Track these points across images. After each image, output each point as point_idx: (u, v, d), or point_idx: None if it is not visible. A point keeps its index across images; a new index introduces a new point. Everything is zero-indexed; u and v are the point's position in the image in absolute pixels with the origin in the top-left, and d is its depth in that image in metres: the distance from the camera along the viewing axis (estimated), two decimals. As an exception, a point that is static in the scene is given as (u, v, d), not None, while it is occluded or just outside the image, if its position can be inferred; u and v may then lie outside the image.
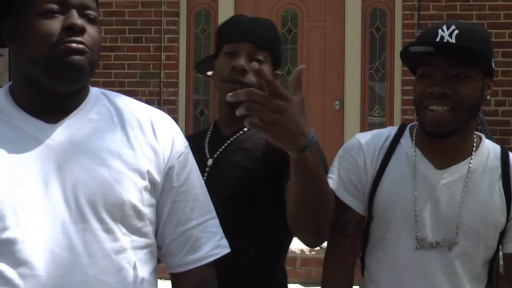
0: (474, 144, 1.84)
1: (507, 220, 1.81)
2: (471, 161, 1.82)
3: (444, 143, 1.81)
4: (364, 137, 1.92)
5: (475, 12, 6.05)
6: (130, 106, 1.59)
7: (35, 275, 1.37)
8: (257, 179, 1.98)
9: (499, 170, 1.83)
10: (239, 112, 1.38)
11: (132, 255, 1.48)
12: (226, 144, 2.07)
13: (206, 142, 2.13)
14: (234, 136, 2.07)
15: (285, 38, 6.17)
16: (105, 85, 1.73)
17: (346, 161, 1.89)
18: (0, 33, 1.50)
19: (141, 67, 6.07)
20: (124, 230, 1.47)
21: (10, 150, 1.43)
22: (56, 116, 1.49)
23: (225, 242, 1.65)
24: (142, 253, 1.51)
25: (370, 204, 1.86)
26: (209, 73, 2.19)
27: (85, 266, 1.41)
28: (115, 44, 5.98)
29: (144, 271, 1.51)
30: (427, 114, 1.75)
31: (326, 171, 1.88)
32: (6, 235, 1.38)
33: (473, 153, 1.83)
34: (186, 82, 6.17)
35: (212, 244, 1.61)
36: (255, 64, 1.34)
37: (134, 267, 1.48)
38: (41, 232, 1.40)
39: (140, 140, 1.53)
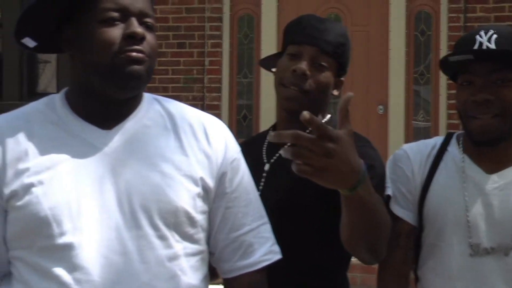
0: None
1: None
2: None
3: (493, 149, 1.79)
4: (410, 147, 1.92)
5: (524, 14, 5.95)
6: (183, 111, 1.60)
7: (90, 280, 1.39)
8: (312, 188, 1.81)
9: None
10: (285, 155, 1.31)
11: (185, 261, 1.49)
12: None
13: (264, 147, 2.08)
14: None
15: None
16: (149, 90, 1.76)
17: (395, 173, 1.89)
18: (59, 39, 1.52)
19: (185, 72, 6.11)
20: (177, 236, 1.48)
21: (67, 156, 1.45)
22: (111, 122, 1.51)
23: (277, 248, 1.65)
24: (194, 260, 1.52)
25: (420, 213, 1.84)
26: (274, 69, 2.11)
27: (139, 273, 1.42)
28: (159, 50, 5.97)
29: (195, 278, 1.52)
30: (472, 122, 1.74)
31: (382, 190, 1.83)
32: (63, 240, 1.40)
33: None
34: (230, 87, 6.20)
35: (264, 249, 1.61)
36: (305, 114, 1.26)
37: (186, 274, 1.49)
38: (96, 237, 1.42)
39: (193, 146, 1.54)
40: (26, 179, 1.42)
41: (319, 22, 2.02)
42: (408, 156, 1.89)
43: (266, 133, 2.16)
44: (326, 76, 1.97)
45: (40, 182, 1.42)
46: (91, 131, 1.49)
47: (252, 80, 6.20)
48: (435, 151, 1.87)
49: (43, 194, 1.41)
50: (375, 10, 6.10)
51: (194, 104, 6.19)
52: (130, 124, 1.52)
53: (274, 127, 2.13)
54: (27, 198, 1.41)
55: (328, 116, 2.12)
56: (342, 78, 2.07)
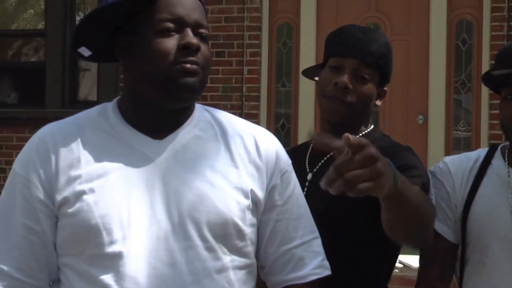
0: None
1: None
2: None
3: None
4: (452, 160, 1.89)
5: None
6: (233, 123, 1.61)
7: None
8: (353, 198, 1.92)
9: None
10: (323, 186, 1.25)
11: (232, 274, 1.48)
12: (325, 159, 2.02)
13: (307, 156, 2.09)
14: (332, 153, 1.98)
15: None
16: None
17: (434, 186, 1.87)
18: (113, 49, 1.53)
19: (224, 81, 6.13)
20: (225, 249, 1.47)
21: (118, 165, 1.47)
22: (163, 132, 1.51)
23: (327, 263, 1.63)
24: (241, 273, 1.51)
25: (464, 229, 1.82)
26: (316, 78, 2.12)
27: (187, 284, 1.42)
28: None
29: None
30: None
31: (427, 189, 1.79)
32: (112, 249, 1.41)
33: None
34: (268, 96, 6.21)
35: (315, 263, 1.60)
36: (346, 136, 1.23)
37: (234, 287, 1.48)
38: (145, 247, 1.42)
39: (243, 158, 1.54)
40: (78, 186, 1.44)
41: (361, 32, 2.01)
42: (449, 170, 1.87)
43: (308, 143, 2.16)
44: (368, 88, 1.98)
45: (92, 190, 1.43)
46: (142, 141, 1.50)
47: (291, 89, 6.21)
48: (478, 165, 1.85)
49: (94, 202, 1.42)
50: (415, 18, 6.07)
51: (233, 112, 6.11)
52: (182, 135, 1.53)
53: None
54: (78, 205, 1.42)
55: (372, 126, 2.11)
56: (385, 88, 2.06)
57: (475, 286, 1.82)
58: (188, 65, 1.45)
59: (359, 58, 1.95)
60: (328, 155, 2.03)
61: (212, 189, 1.48)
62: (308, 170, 2.06)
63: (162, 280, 1.41)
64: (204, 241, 1.45)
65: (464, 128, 6.01)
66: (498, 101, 1.82)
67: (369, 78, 1.96)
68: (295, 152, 2.09)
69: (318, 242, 1.64)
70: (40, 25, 6.87)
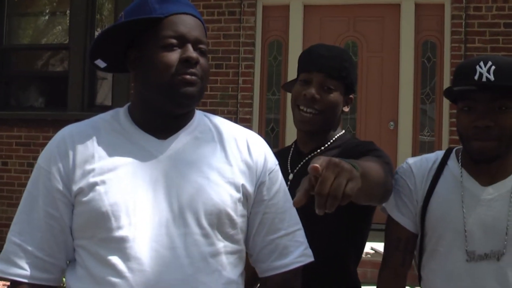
0: None
1: None
2: None
3: (489, 165, 1.75)
4: (414, 162, 1.89)
5: (516, 45, 5.90)
6: (228, 127, 1.61)
7: (142, 270, 1.39)
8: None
9: None
10: (320, 212, 1.22)
11: (225, 258, 1.48)
12: (304, 161, 2.03)
13: (289, 158, 2.09)
14: (313, 154, 2.03)
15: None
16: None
17: (398, 184, 1.87)
18: (125, 61, 1.54)
19: (221, 89, 6.13)
20: (219, 236, 1.47)
21: (127, 161, 1.47)
22: (167, 133, 1.52)
23: (309, 252, 1.63)
24: (233, 258, 1.51)
25: (423, 221, 1.82)
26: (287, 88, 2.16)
27: (184, 266, 1.42)
28: (200, 70, 6.06)
29: (233, 274, 1.51)
30: (473, 144, 1.70)
31: (388, 161, 1.79)
32: (120, 233, 1.41)
33: None
34: (260, 103, 6.19)
35: (298, 252, 1.59)
36: (310, 168, 1.22)
37: (225, 270, 1.48)
38: (148, 233, 1.42)
39: (236, 157, 1.54)
40: (91, 179, 1.44)
41: (326, 50, 2.03)
42: (411, 170, 1.86)
43: (290, 147, 2.17)
44: (334, 96, 1.99)
45: (103, 182, 1.44)
46: (149, 140, 1.50)
47: (280, 97, 6.21)
48: (436, 165, 1.84)
49: (105, 192, 1.43)
50: (387, 39, 6.08)
51: (229, 117, 6.23)
52: (183, 136, 1.53)
53: (295, 142, 2.14)
54: (91, 195, 1.43)
55: (342, 131, 2.11)
56: (351, 96, 2.07)
57: (431, 271, 1.82)
58: (188, 77, 1.45)
59: (324, 71, 1.97)
60: (307, 158, 2.04)
61: (209, 183, 1.48)
62: (290, 170, 2.06)
63: (163, 261, 1.41)
64: (200, 228, 1.45)
65: (428, 134, 6.02)
66: (456, 111, 1.81)
67: (334, 88, 1.98)
68: (280, 155, 2.09)
69: (302, 233, 1.63)
70: (65, 40, 6.86)
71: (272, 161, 1.62)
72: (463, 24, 5.85)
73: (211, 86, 6.13)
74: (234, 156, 1.54)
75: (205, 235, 1.45)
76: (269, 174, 1.58)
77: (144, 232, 1.42)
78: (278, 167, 1.63)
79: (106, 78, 6.71)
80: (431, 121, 6.03)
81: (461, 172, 1.80)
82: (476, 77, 1.68)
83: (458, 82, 1.73)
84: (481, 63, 1.69)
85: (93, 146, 1.48)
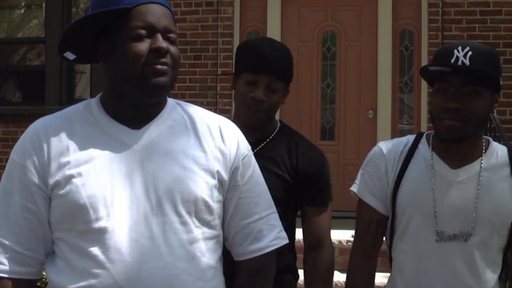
0: (483, 146, 1.83)
1: None
2: (482, 160, 1.80)
3: (457, 147, 1.80)
4: (385, 145, 1.92)
5: (492, 33, 5.95)
6: (201, 114, 1.61)
7: (122, 260, 1.40)
8: (288, 185, 2.03)
9: (508, 166, 1.81)
10: None
11: (203, 245, 1.49)
12: (256, 151, 2.03)
13: None
14: (261, 145, 2.09)
15: (325, 56, 6.16)
16: (169, 96, 1.76)
17: (370, 167, 1.91)
18: (95, 52, 1.53)
19: (200, 81, 6.11)
20: (196, 222, 1.48)
21: (102, 152, 1.46)
22: (140, 123, 1.51)
23: (284, 234, 1.64)
24: (211, 243, 1.52)
25: (394, 204, 1.85)
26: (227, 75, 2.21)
27: (164, 254, 1.42)
28: (178, 61, 6.03)
29: (212, 259, 1.51)
30: (442, 124, 1.75)
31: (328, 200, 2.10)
32: (98, 224, 1.41)
33: (483, 154, 1.82)
34: (239, 94, 6.20)
35: (273, 235, 1.61)
36: None
37: (204, 255, 1.49)
38: (126, 223, 1.42)
39: (210, 143, 1.54)
40: (67, 171, 1.43)
41: (270, 49, 2.03)
42: (383, 153, 1.89)
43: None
44: (279, 97, 2.06)
45: (79, 174, 1.43)
46: (122, 131, 1.50)
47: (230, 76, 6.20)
48: (407, 149, 1.87)
49: (81, 184, 1.42)
50: (365, 28, 6.10)
51: (208, 108, 6.12)
52: (156, 125, 1.53)
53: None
54: (68, 187, 1.42)
55: (278, 122, 2.19)
56: (288, 88, 2.12)
57: (401, 251, 1.85)
58: (159, 66, 1.45)
59: (272, 74, 2.00)
60: (256, 149, 2.06)
61: (184, 171, 1.48)
62: None
63: (142, 251, 1.41)
64: (178, 216, 1.46)
65: (407, 122, 6.06)
66: (431, 95, 1.85)
67: (278, 90, 2.03)
68: None
69: (276, 216, 1.65)
70: (41, 33, 6.79)
71: (245, 146, 1.63)
72: (440, 12, 5.90)
73: (190, 77, 6.11)
74: (208, 143, 1.54)
75: (183, 223, 1.46)
76: (242, 160, 1.59)
77: (122, 222, 1.42)
78: (251, 152, 1.65)
79: (84, 72, 6.67)
80: (409, 110, 6.07)
81: (431, 155, 1.83)
82: (452, 60, 1.72)
83: (435, 63, 1.77)
84: (459, 48, 1.73)
85: (67, 138, 1.47)
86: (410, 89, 6.06)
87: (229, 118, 1.69)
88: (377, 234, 1.89)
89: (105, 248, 1.40)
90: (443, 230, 1.77)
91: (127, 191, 1.44)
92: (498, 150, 1.85)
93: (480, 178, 1.78)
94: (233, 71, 2.16)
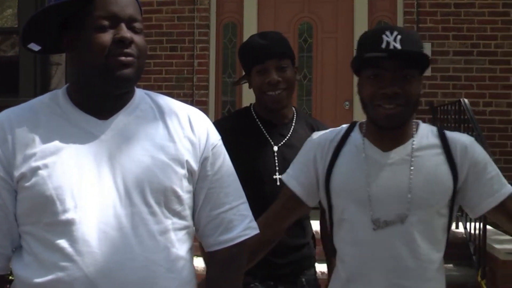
0: (414, 128, 1.82)
1: (456, 187, 1.77)
2: (413, 141, 1.79)
3: (390, 131, 1.78)
4: (318, 134, 1.92)
5: (466, 25, 6.00)
6: (170, 104, 1.59)
7: (90, 252, 1.38)
8: None
9: (439, 145, 1.79)
10: None
11: (173, 235, 1.47)
12: (288, 136, 2.31)
13: (263, 131, 2.32)
14: (288, 125, 2.34)
15: (301, 47, 6.15)
16: (145, 88, 1.74)
17: (301, 154, 1.91)
18: (61, 42, 1.50)
19: (177, 72, 6.08)
20: (166, 213, 1.47)
21: (69, 143, 1.44)
22: (107, 113, 1.49)
23: (254, 224, 1.63)
24: (181, 234, 1.50)
25: (328, 194, 1.83)
26: (243, 82, 2.44)
27: (133, 245, 1.41)
28: (154, 52, 5.99)
29: (182, 250, 1.50)
30: (380, 111, 1.72)
31: None
32: (66, 216, 1.39)
33: (414, 135, 1.80)
34: (216, 86, 6.17)
35: (243, 225, 1.60)
36: None
37: (174, 246, 1.47)
38: (95, 214, 1.40)
39: (179, 133, 1.52)
40: (33, 163, 1.41)
41: (264, 38, 2.30)
42: (313, 141, 1.89)
43: (249, 111, 2.40)
44: (290, 72, 2.30)
45: (46, 166, 1.40)
46: (90, 121, 1.47)
47: (235, 79, 6.19)
48: (338, 137, 1.85)
49: (48, 176, 1.40)
50: (342, 19, 6.10)
51: (185, 100, 6.19)
52: (124, 115, 1.51)
53: (249, 110, 2.39)
54: (34, 179, 1.40)
55: (293, 109, 2.43)
56: (296, 66, 2.37)
57: (341, 240, 1.83)
58: (123, 58, 1.43)
59: (276, 56, 2.25)
60: (291, 132, 2.32)
61: (153, 161, 1.46)
62: (272, 143, 2.30)
63: (111, 242, 1.40)
64: (148, 206, 1.44)
65: (383, 113, 6.08)
66: (359, 81, 1.82)
67: (287, 66, 2.28)
68: (240, 118, 2.38)
69: (246, 206, 1.64)
70: (15, 23, 6.69)
71: (215, 137, 1.61)
72: (415, 4, 5.93)
73: (166, 69, 6.07)
74: (177, 133, 1.52)
75: (153, 213, 1.44)
76: (212, 149, 1.57)
77: (90, 214, 1.40)
78: (221, 142, 1.63)
79: (60, 64, 6.58)
80: (385, 101, 6.09)
81: (363, 141, 1.81)
82: (383, 46, 1.70)
83: (365, 50, 1.74)
84: (387, 32, 1.71)
85: (33, 130, 1.45)
86: (386, 80, 6.07)
87: (205, 110, 1.67)
88: (287, 212, 1.86)
89: (72, 240, 1.38)
90: (378, 216, 1.74)
91: (95, 182, 1.42)
92: (428, 130, 1.84)
93: (412, 159, 1.76)
94: (243, 75, 2.41)
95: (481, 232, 4.50)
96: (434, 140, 1.81)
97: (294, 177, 1.89)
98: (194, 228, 1.58)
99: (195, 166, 1.53)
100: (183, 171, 1.49)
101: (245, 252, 1.63)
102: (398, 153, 1.78)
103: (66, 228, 1.38)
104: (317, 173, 1.86)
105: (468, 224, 4.84)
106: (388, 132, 1.78)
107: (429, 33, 5.97)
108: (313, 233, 2.43)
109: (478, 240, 4.55)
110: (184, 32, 6.08)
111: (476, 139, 4.23)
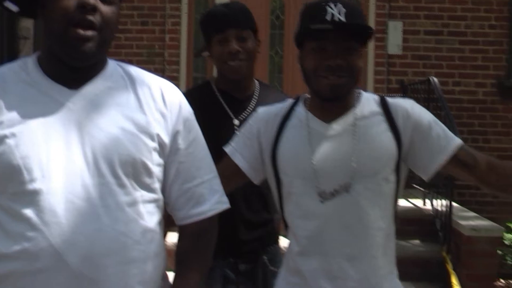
0: (356, 98, 1.82)
1: (401, 152, 1.77)
2: (355, 111, 1.79)
3: (333, 103, 1.78)
4: (263, 108, 1.92)
5: (437, 5, 6.04)
6: (142, 75, 1.57)
7: (57, 222, 1.36)
8: None
9: (381, 113, 1.79)
10: None
11: (142, 207, 1.46)
12: (251, 108, 2.25)
13: (224, 105, 2.26)
14: (251, 100, 2.29)
15: (273, 24, 6.12)
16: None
17: (245, 129, 1.90)
18: (34, 8, 1.47)
19: (148, 47, 6.01)
20: (135, 185, 1.45)
21: (38, 112, 1.41)
22: (77, 83, 1.46)
23: (225, 199, 1.63)
24: (150, 206, 1.49)
25: (275, 168, 1.83)
26: (204, 54, 2.39)
27: (101, 216, 1.39)
28: (125, 27, 5.90)
29: (151, 222, 1.49)
30: (323, 82, 1.72)
31: None
32: (33, 186, 1.37)
33: (356, 104, 1.80)
34: (187, 61, 6.11)
35: (214, 200, 1.60)
36: None
37: (143, 218, 1.46)
38: (62, 184, 1.38)
39: (151, 106, 1.51)
40: (0, 132, 1.38)
41: (227, 8, 2.26)
42: (258, 115, 1.89)
43: (210, 85, 2.35)
44: (251, 43, 2.26)
45: (13, 135, 1.38)
46: (59, 91, 1.45)
47: (206, 55, 6.14)
48: (283, 111, 1.86)
49: (15, 145, 1.37)
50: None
51: (155, 75, 6.10)
52: (95, 85, 1.48)
53: (208, 84, 2.35)
54: (1, 148, 1.37)
55: (257, 82, 2.38)
56: (259, 39, 2.32)
57: (290, 213, 1.83)
58: (81, 32, 1.39)
59: (236, 26, 2.21)
60: (253, 105, 2.25)
61: (123, 132, 1.44)
62: (232, 116, 2.24)
63: (78, 213, 1.38)
64: (116, 178, 1.42)
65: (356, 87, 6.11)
66: (300, 53, 1.82)
67: (247, 36, 2.23)
68: (199, 93, 2.31)
69: (217, 180, 1.64)
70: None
71: (188, 110, 1.60)
72: (388, -17, 5.93)
73: (137, 43, 6.01)
74: (148, 105, 1.51)
75: (121, 185, 1.43)
76: (184, 123, 1.56)
77: (58, 184, 1.38)
78: (193, 117, 1.62)
79: (28, 38, 6.45)
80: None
81: (306, 114, 1.81)
82: (328, 18, 1.70)
83: (309, 22, 1.73)
84: (331, 4, 1.71)
85: (0, 98, 1.41)
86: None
87: (176, 86, 1.66)
88: (226, 180, 1.76)
89: (39, 210, 1.36)
90: (324, 189, 1.74)
91: (63, 152, 1.40)
92: (370, 99, 1.84)
93: (355, 129, 1.77)
94: (203, 45, 2.35)
95: (447, 209, 4.59)
96: (376, 108, 1.81)
97: (238, 150, 1.88)
98: (163, 201, 1.57)
99: (166, 139, 1.51)
100: (153, 144, 1.48)
101: (215, 226, 1.63)
102: (341, 123, 1.78)
103: (33, 198, 1.36)
104: (261, 148, 1.85)
105: (435, 201, 4.93)
106: (331, 103, 1.78)
107: (401, 12, 6.00)
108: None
109: (444, 217, 4.64)
110: (155, 7, 6.00)
111: (445, 118, 4.31)
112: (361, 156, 1.73)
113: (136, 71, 1.58)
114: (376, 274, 1.76)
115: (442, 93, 4.95)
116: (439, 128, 1.81)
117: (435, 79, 5.11)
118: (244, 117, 2.22)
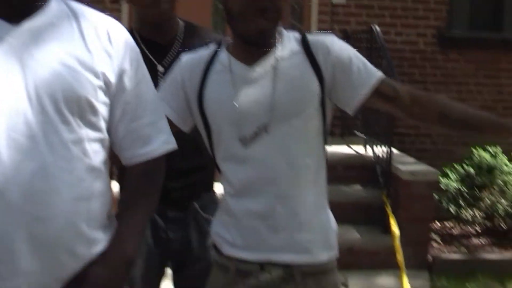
0: (278, 38, 1.80)
1: (324, 89, 1.77)
2: (276, 52, 1.78)
3: (257, 46, 1.78)
4: (186, 56, 1.89)
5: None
6: (88, 14, 1.54)
7: None
8: None
9: (302, 51, 1.78)
10: None
11: (87, 145, 1.46)
12: (175, 53, 2.09)
13: (145, 50, 2.09)
14: (173, 44, 2.13)
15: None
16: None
17: (170, 78, 1.88)
18: None
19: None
20: (80, 123, 1.44)
21: None
22: (19, 18, 1.43)
23: (172, 139, 1.64)
24: (95, 145, 1.49)
25: (203, 115, 1.82)
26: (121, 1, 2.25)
27: (44, 153, 1.38)
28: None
29: (96, 161, 1.49)
30: (250, 25, 1.70)
31: None
32: None
33: (277, 44, 1.79)
34: (128, 11, 6.00)
35: (161, 140, 1.60)
36: None
37: (88, 156, 1.46)
38: (4, 121, 1.36)
39: (96, 44, 1.49)
40: None
41: None
42: (181, 63, 1.87)
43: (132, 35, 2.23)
44: None
45: None
46: (0, 26, 1.41)
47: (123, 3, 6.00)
48: (206, 57, 1.84)
49: None
50: None
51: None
52: (38, 21, 1.45)
53: (131, 32, 2.12)
54: None
55: (182, 24, 2.22)
56: None
57: (221, 158, 1.84)
58: None
59: None
60: (175, 49, 2.11)
61: (67, 69, 1.42)
62: (155, 62, 2.11)
63: (21, 150, 1.36)
64: (60, 115, 1.41)
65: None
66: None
67: None
68: None
69: (165, 122, 1.64)
70: None
71: (134, 50, 1.59)
72: None
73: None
74: (93, 44, 1.48)
75: (65, 122, 1.42)
76: (130, 62, 1.55)
77: (0, 121, 1.36)
78: (140, 57, 1.60)
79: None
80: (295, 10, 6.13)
81: (228, 59, 1.80)
82: None
83: None
84: None
85: None
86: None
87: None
88: None
89: None
90: (245, 134, 1.75)
91: (5, 90, 1.37)
92: (291, 37, 1.83)
93: (276, 68, 1.76)
94: None
95: (387, 155, 4.73)
96: (297, 47, 1.80)
97: (164, 100, 1.82)
98: (109, 141, 1.57)
99: (111, 78, 1.50)
100: (98, 82, 1.47)
101: (162, 167, 1.63)
102: (262, 65, 1.77)
103: None
104: (187, 97, 1.83)
105: (376, 148, 5.06)
106: (254, 47, 1.77)
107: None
108: None
109: (385, 163, 4.78)
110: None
111: (386, 67, 4.32)
112: (281, 97, 1.73)
113: (81, 9, 1.54)
114: (306, 210, 1.78)
115: (384, 43, 5.02)
116: (360, 62, 1.80)
117: (378, 28, 5.17)
118: (167, 62, 2.12)
